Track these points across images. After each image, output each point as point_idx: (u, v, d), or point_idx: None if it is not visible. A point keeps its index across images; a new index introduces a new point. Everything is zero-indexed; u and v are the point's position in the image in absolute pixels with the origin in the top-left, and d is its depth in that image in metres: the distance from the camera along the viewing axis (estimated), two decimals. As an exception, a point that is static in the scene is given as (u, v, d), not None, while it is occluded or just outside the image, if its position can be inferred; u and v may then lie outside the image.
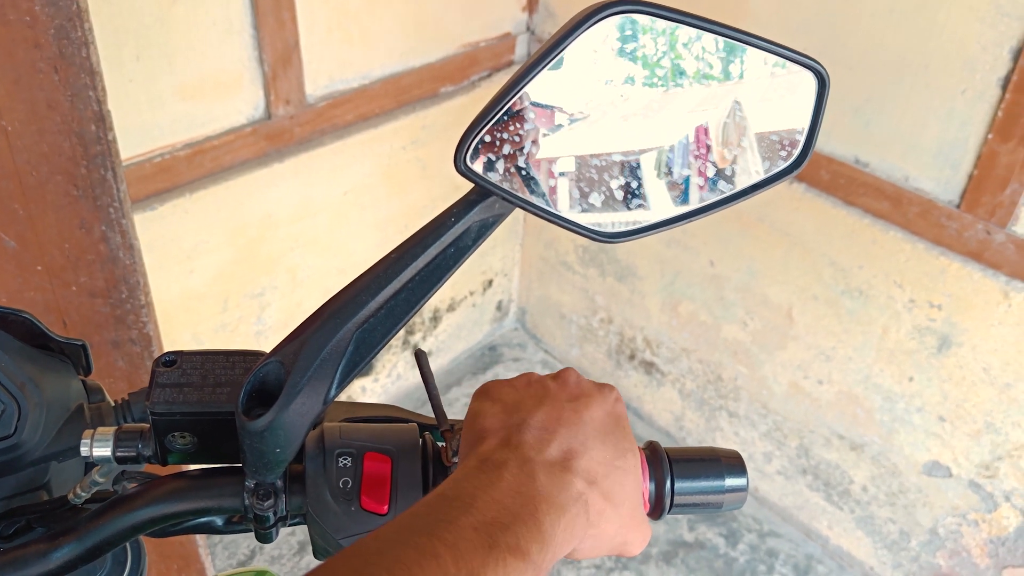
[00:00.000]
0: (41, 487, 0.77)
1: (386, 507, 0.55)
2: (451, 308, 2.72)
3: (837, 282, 2.07)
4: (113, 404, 0.80)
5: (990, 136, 1.72)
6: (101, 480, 0.65)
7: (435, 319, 2.68)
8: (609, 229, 0.52)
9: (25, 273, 1.35)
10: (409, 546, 0.41)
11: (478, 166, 0.50)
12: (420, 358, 0.63)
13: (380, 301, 0.52)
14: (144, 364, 1.53)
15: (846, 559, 2.36)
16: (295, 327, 0.53)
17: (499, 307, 2.92)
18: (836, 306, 2.09)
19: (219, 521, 0.64)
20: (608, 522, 0.52)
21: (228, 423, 0.57)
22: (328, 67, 2.01)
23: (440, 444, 0.60)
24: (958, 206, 1.82)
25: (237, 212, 1.96)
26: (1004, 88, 1.68)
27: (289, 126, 1.98)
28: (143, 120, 1.74)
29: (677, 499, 0.61)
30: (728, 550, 2.39)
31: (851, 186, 1.96)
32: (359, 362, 0.54)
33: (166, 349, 1.83)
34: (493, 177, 0.50)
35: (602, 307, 2.68)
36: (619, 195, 0.52)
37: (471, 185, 0.55)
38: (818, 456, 2.31)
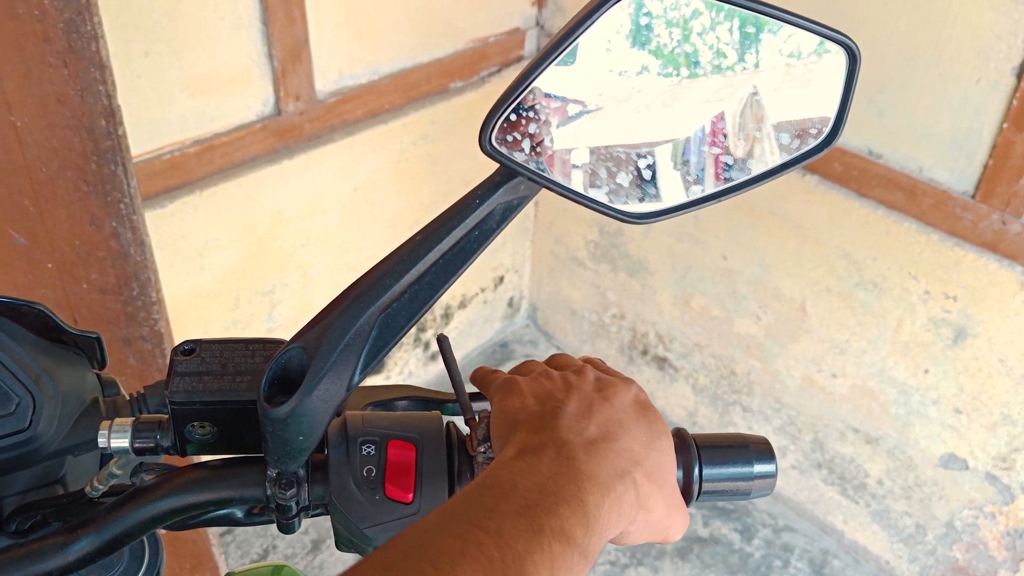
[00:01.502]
0: (56, 481, 0.76)
1: (411, 495, 0.54)
2: (462, 305, 2.71)
3: (851, 274, 2.05)
4: (128, 397, 0.79)
5: (1005, 125, 1.70)
6: (119, 472, 0.65)
7: (446, 316, 2.67)
8: (637, 210, 0.51)
9: (35, 270, 1.34)
10: (452, 535, 0.40)
11: (503, 146, 0.49)
12: (443, 344, 0.62)
13: (404, 284, 0.51)
14: (156, 361, 1.53)
15: (862, 553, 2.34)
16: (318, 311, 0.52)
17: (510, 304, 2.91)
18: (850, 299, 2.07)
19: (239, 512, 0.63)
20: (656, 504, 0.51)
21: (249, 412, 0.56)
22: (337, 63, 2.00)
23: (465, 432, 0.59)
24: (973, 196, 1.80)
25: (247, 209, 1.96)
26: (1019, 77, 1.66)
27: (299, 122, 1.97)
28: (152, 116, 1.74)
29: (705, 486, 0.60)
30: (743, 545, 2.37)
31: (864, 177, 1.94)
32: (383, 347, 0.53)
33: (178, 346, 1.82)
34: (519, 157, 0.49)
35: (614, 302, 2.67)
36: (647, 175, 0.50)
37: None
38: (833, 450, 2.29)
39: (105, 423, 0.60)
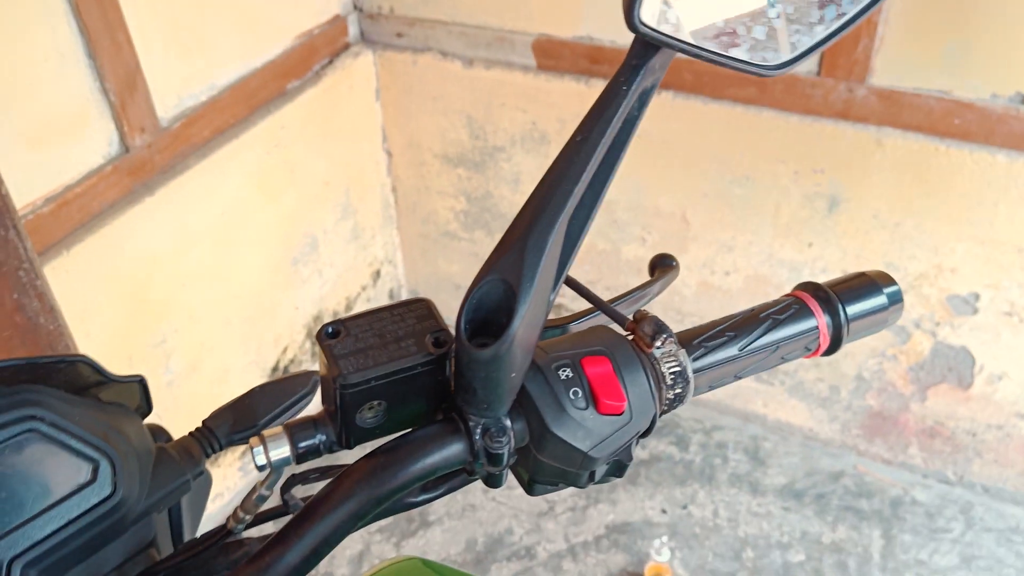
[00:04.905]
0: (150, 544, 0.69)
1: (624, 404, 0.52)
2: (348, 308, 2.63)
3: (723, 175, 2.16)
4: (192, 437, 0.72)
5: (831, 1, 1.84)
6: (267, 493, 0.59)
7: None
8: (774, 61, 0.52)
9: (-63, 370, 1.18)
10: None
11: (650, 19, 0.48)
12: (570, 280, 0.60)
13: (582, 187, 0.49)
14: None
15: (786, 429, 2.50)
16: (500, 238, 0.49)
17: (391, 295, 2.86)
18: (727, 197, 2.19)
19: (427, 490, 0.59)
20: None
21: (418, 378, 0.53)
22: (173, 84, 1.87)
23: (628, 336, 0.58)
24: (818, 74, 1.94)
25: (119, 259, 1.80)
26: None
27: (149, 155, 1.83)
28: (-6, 182, 1.55)
29: (852, 327, 0.62)
30: (683, 455, 2.47)
31: (715, 81, 2.05)
32: (567, 259, 0.51)
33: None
34: (666, 29, 0.48)
35: (496, 266, 2.68)
36: (779, 24, 0.51)
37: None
38: (740, 343, 2.42)
39: (254, 440, 0.55)
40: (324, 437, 0.54)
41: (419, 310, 0.55)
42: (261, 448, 0.54)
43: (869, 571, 2.19)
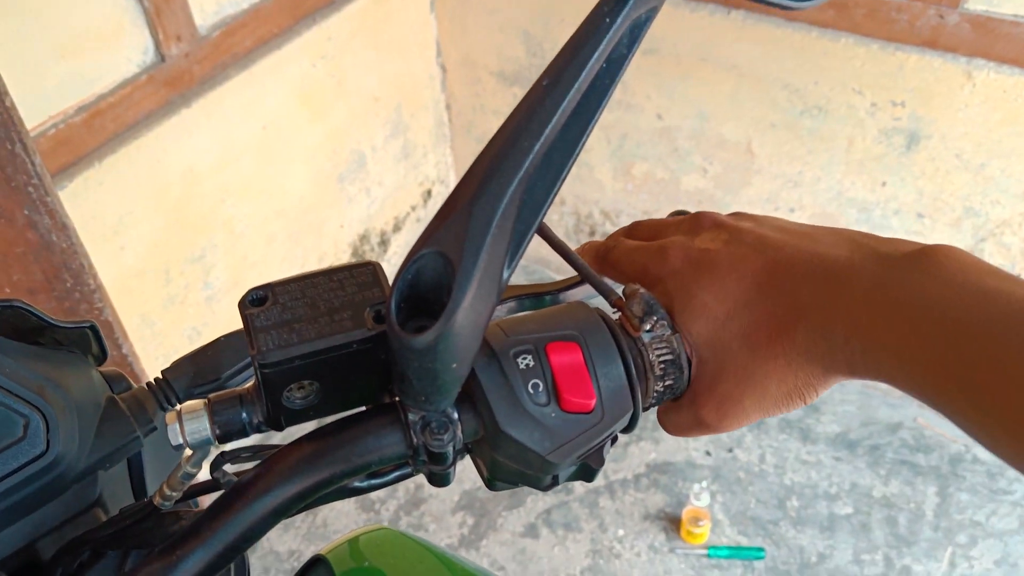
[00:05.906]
0: (95, 504, 0.64)
1: (593, 401, 0.44)
2: (397, 228, 2.57)
3: (793, 104, 2.00)
4: (147, 388, 0.67)
5: (928, -87, 1.65)
6: (194, 471, 0.53)
7: (383, 243, 2.54)
8: (802, -10, 0.41)
9: (-50, 284, 1.16)
10: None
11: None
12: (545, 230, 0.51)
13: (545, 143, 0.40)
14: (111, 353, 1.37)
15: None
16: (443, 204, 0.40)
17: (442, 217, 2.78)
18: (796, 129, 2.03)
19: (365, 480, 0.52)
20: None
21: (357, 356, 0.45)
22: (213, -10, 1.79)
23: (615, 315, 0.49)
24: (906, -5, 1.75)
25: (156, 172, 1.76)
26: None
27: (187, 65, 1.77)
28: (24, 92, 1.50)
29: None
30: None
31: (791, 0, 1.87)
32: (527, 230, 0.42)
33: (129, 332, 1.65)
34: (661, -53, 0.38)
35: (550, 191, 2.57)
36: (811, -58, 0.40)
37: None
38: (801, 285, 2.29)
39: (171, 415, 0.48)
40: (248, 416, 0.47)
41: (363, 276, 0.47)
42: (176, 427, 0.47)
43: (920, 529, 2.09)
